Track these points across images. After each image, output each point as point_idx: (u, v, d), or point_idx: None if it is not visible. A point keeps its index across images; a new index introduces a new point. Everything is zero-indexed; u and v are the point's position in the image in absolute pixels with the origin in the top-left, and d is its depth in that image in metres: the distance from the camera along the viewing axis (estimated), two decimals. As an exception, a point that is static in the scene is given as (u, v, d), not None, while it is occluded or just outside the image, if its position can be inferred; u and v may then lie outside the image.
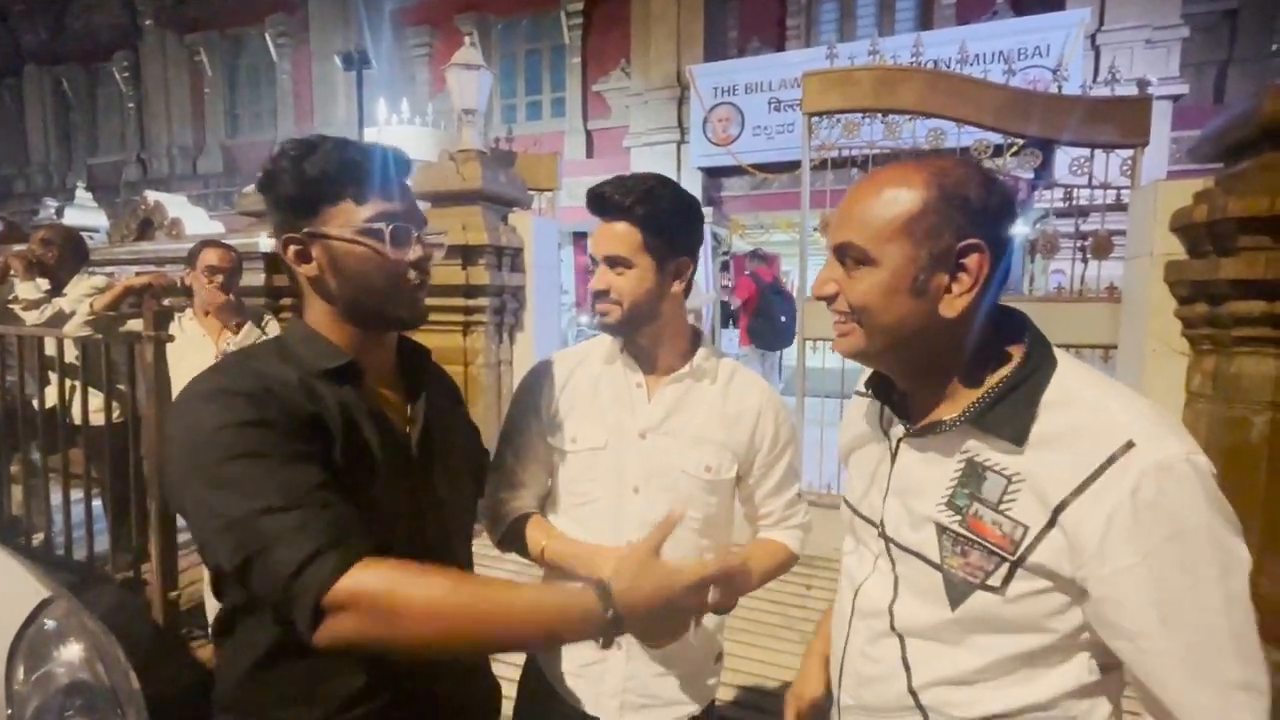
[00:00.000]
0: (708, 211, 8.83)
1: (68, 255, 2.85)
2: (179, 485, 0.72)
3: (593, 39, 10.21)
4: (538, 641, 0.75)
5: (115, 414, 2.55)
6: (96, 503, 2.50)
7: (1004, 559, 0.64)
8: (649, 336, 1.07)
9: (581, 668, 1.08)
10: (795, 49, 8.89)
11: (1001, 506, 0.64)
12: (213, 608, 2.42)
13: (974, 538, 0.66)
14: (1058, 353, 0.69)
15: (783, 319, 6.01)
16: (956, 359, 0.70)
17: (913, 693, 0.72)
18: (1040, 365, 0.67)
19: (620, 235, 1.01)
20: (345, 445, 0.77)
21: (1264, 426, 2.31)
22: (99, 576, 2.42)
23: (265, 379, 0.75)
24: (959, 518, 0.67)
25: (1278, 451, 2.30)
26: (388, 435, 0.83)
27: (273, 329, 2.51)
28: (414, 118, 8.36)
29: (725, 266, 9.36)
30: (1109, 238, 3.18)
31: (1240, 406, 2.37)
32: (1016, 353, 0.69)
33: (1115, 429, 0.60)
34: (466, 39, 4.68)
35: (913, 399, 0.76)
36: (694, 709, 1.11)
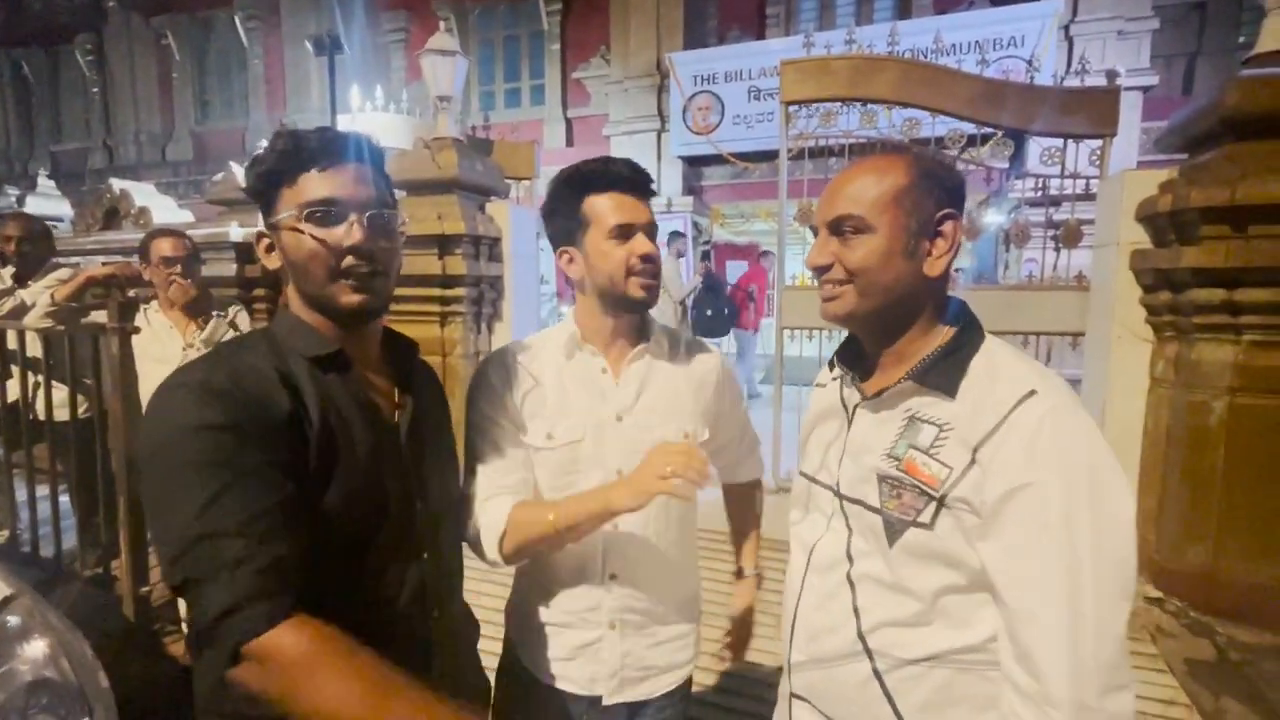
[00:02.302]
0: (688, 201, 8.83)
1: (34, 248, 2.77)
2: (141, 477, 0.72)
3: (572, 25, 10.10)
4: None
5: (81, 409, 2.50)
6: (64, 499, 2.46)
7: (931, 497, 0.74)
8: (626, 317, 1.07)
9: (576, 650, 1.07)
10: (775, 37, 8.87)
11: (932, 450, 0.75)
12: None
13: (907, 479, 0.76)
14: (987, 334, 0.82)
15: (708, 312, 6.57)
16: (924, 324, 0.82)
17: (861, 637, 0.80)
18: (972, 336, 0.80)
19: (647, 207, 1.05)
20: (325, 436, 0.76)
21: (1222, 411, 2.38)
22: (67, 574, 2.38)
23: (244, 373, 0.74)
24: (896, 463, 0.78)
25: (1236, 435, 2.38)
26: (376, 423, 0.83)
27: (242, 320, 2.47)
28: (388, 104, 8.20)
29: (706, 256, 9.37)
30: (1078, 227, 3.24)
31: (1200, 392, 2.44)
32: (953, 329, 0.82)
33: (1022, 382, 0.73)
34: (442, 24, 4.60)
35: (874, 366, 0.86)
36: (683, 673, 1.15)
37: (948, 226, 0.79)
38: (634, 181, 1.03)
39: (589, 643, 1.07)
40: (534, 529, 0.96)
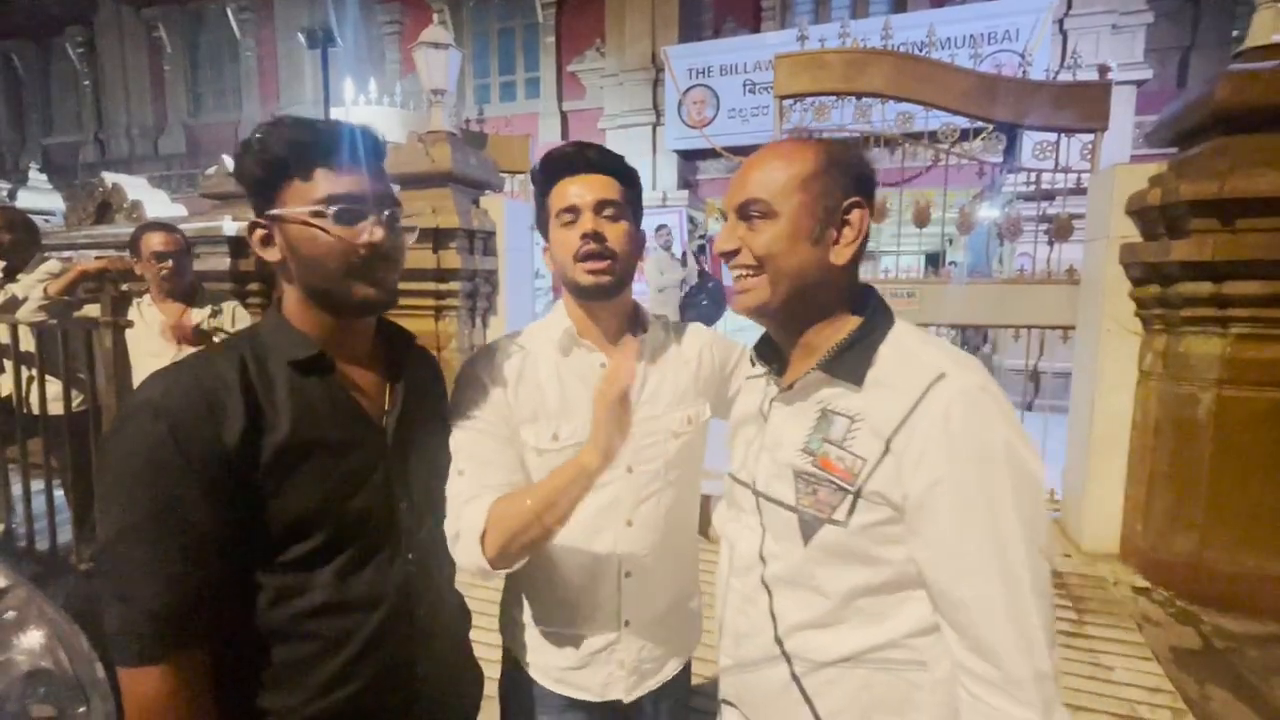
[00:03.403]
0: (683, 195, 8.82)
1: (21, 240, 2.76)
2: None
3: (567, 18, 10.05)
4: None
5: (75, 402, 2.50)
6: (59, 493, 2.46)
7: (846, 491, 0.73)
8: (616, 307, 1.03)
9: (589, 656, 1.03)
10: (770, 30, 8.85)
11: (845, 443, 0.74)
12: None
13: (822, 474, 0.75)
14: (898, 318, 0.81)
15: (704, 302, 6.71)
16: (834, 314, 0.81)
17: (778, 641, 0.79)
18: (879, 323, 0.79)
19: (609, 183, 0.99)
20: (297, 445, 0.75)
21: (1210, 403, 2.41)
22: (63, 567, 2.38)
23: (201, 390, 0.72)
24: (811, 459, 0.76)
25: (1223, 426, 2.40)
26: (359, 426, 0.81)
27: (230, 310, 2.47)
28: (382, 98, 8.17)
29: (701, 250, 9.37)
30: (1069, 221, 3.26)
31: (1188, 384, 2.47)
32: (860, 317, 0.81)
33: (931, 365, 0.71)
34: (436, 17, 4.58)
35: (789, 359, 0.85)
36: (693, 646, 1.17)
37: (855, 215, 0.77)
38: (579, 161, 0.99)
39: (603, 647, 1.03)
40: (515, 519, 0.86)
